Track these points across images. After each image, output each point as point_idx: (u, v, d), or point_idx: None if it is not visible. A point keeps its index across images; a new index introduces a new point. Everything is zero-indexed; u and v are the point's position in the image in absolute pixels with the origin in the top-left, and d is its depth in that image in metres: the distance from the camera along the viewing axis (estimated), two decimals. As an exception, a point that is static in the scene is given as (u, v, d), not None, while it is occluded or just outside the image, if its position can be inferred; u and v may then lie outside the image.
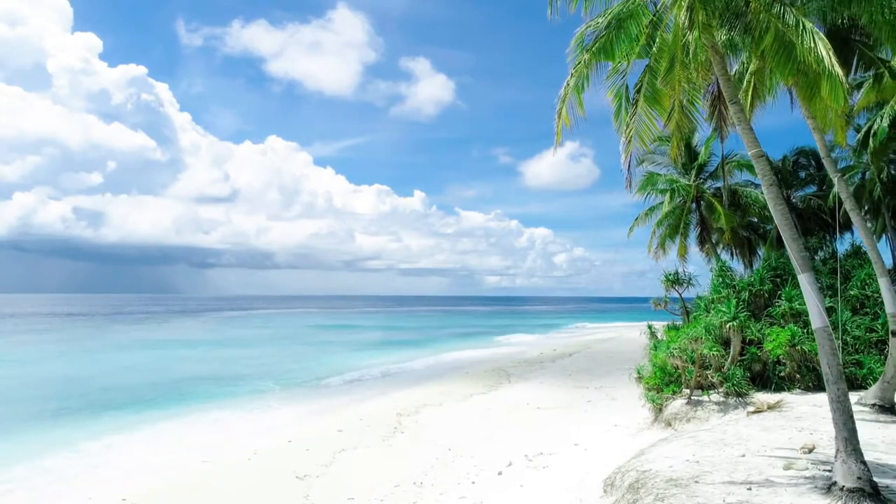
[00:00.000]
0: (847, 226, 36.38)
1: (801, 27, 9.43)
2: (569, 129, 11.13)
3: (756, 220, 40.74)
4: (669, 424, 18.44)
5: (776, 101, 16.23)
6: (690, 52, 10.07)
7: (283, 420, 25.05)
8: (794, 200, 36.71)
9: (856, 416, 15.03)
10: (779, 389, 18.70)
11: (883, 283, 15.26)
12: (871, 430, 13.57)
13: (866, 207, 32.86)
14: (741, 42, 11.15)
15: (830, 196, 33.73)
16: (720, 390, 18.58)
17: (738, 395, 18.24)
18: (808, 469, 10.46)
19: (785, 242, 9.84)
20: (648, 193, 26.14)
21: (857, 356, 19.10)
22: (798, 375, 18.82)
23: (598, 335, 73.60)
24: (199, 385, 34.04)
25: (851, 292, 21.72)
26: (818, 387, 18.50)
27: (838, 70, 9.08)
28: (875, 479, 9.94)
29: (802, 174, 37.33)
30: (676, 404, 18.94)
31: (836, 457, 9.25)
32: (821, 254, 32.88)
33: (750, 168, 25.40)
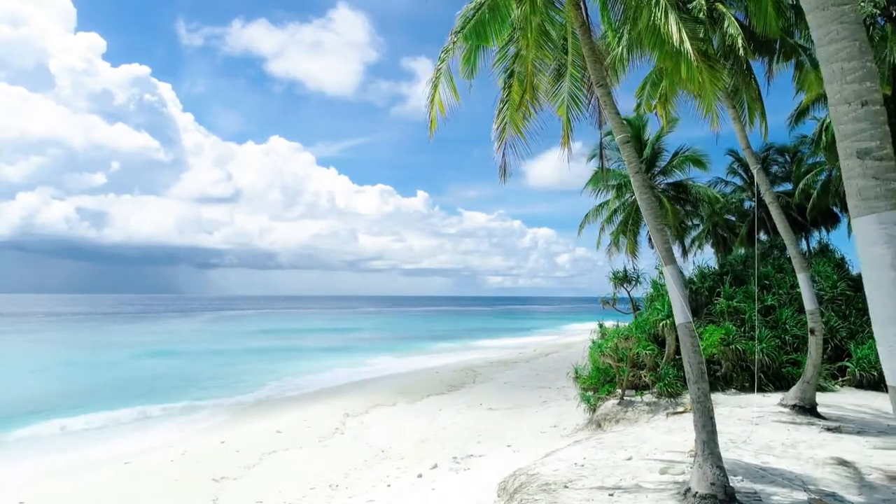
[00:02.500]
0: (816, 223, 35.90)
1: (656, 2, 8.95)
2: (444, 118, 10.69)
3: (734, 218, 40.31)
4: (599, 426, 18.01)
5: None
6: (550, 31, 9.63)
7: (223, 421, 24.72)
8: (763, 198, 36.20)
9: (773, 418, 14.65)
10: (713, 389, 18.19)
11: (802, 280, 14.79)
12: (777, 432, 13.13)
13: (838, 204, 32.34)
14: (619, 25, 10.71)
15: (796, 193, 33.28)
16: (653, 390, 18.16)
17: (671, 395, 17.80)
18: (683, 473, 10.02)
19: (650, 233, 9.39)
20: (600, 189, 25.63)
21: (794, 355, 18.61)
22: (734, 375, 18.34)
23: (586, 336, 72.96)
24: (159, 384, 33.83)
25: (796, 290, 21.24)
26: (752, 387, 18.06)
27: (688, 47, 8.60)
28: (746, 483, 9.55)
29: (776, 169, 36.84)
30: (608, 405, 18.51)
31: (694, 461, 8.82)
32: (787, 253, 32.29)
33: (698, 163, 24.90)
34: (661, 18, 8.74)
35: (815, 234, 39.33)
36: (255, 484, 16.36)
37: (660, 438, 12.86)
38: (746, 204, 37.53)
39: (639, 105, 16.51)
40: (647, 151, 24.76)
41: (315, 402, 28.26)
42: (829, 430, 13.39)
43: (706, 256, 43.04)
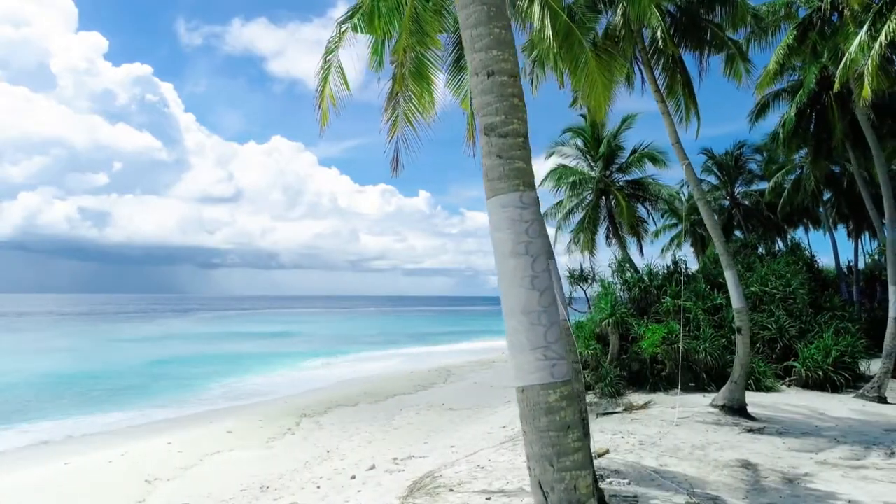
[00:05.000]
0: (792, 221, 35.56)
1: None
2: (336, 110, 10.48)
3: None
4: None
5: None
6: (430, 18, 9.36)
7: (174, 421, 24.52)
8: (737, 196, 35.94)
9: (699, 419, 14.39)
10: (655, 389, 17.96)
11: (729, 277, 14.53)
12: (694, 433, 12.89)
13: (805, 202, 32.02)
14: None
15: (767, 191, 32.95)
16: (595, 390, 17.91)
17: (612, 395, 17.55)
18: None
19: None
20: (558, 187, 25.33)
21: (739, 355, 18.27)
22: (677, 375, 18.04)
23: (574, 334, 72.56)
24: (125, 381, 33.70)
25: (752, 288, 20.96)
26: (697, 387, 17.81)
27: (549, 34, 8.35)
28: (631, 487, 9.35)
29: (753, 167, 36.49)
30: (550, 405, 18.25)
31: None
32: (760, 250, 32.01)
33: (655, 161, 24.57)
34: (524, 3, 8.50)
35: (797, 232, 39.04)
36: (186, 485, 16.13)
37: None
38: (726, 203, 37.30)
39: (575, 99, 16.19)
40: (603, 148, 24.44)
41: (275, 402, 28.07)
42: (750, 431, 13.13)
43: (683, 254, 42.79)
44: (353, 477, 16.37)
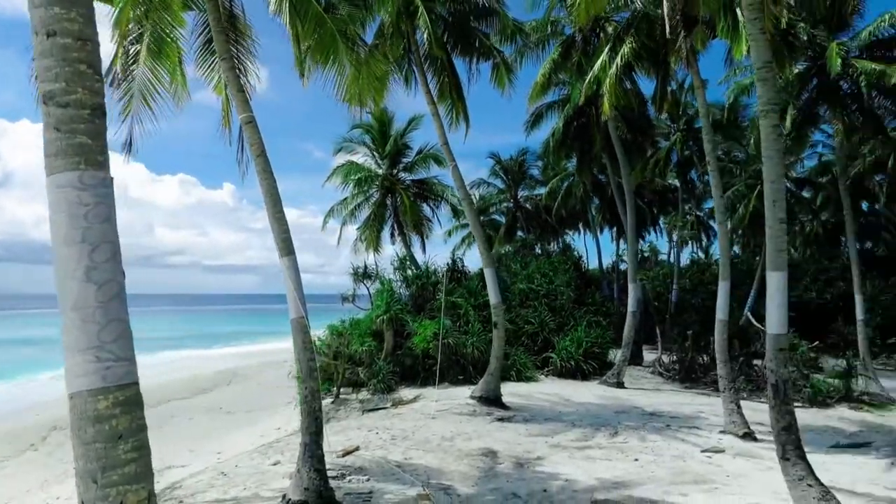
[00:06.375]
0: (567, 224, 38.74)
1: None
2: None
3: (501, 218, 42.17)
4: (323, 426, 17.44)
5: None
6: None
7: None
8: (520, 200, 38.43)
9: (456, 410, 14.96)
10: (426, 384, 18.44)
11: (487, 275, 15.31)
12: (448, 425, 13.37)
13: (577, 207, 34.89)
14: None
15: (544, 195, 35.61)
16: (369, 386, 17.96)
17: (385, 391, 17.70)
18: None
19: (269, 220, 8.77)
20: (346, 183, 25.21)
21: (505, 348, 19.35)
22: (447, 369, 18.68)
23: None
24: None
25: (520, 286, 22.34)
26: (465, 380, 18.52)
27: (287, 18, 8.14)
28: (370, 483, 9.32)
29: (535, 172, 39.10)
30: (323, 403, 17.95)
31: (296, 465, 8.35)
32: (537, 249, 34.37)
33: (440, 162, 25.41)
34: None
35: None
36: None
37: (333, 439, 12.45)
38: (510, 205, 39.69)
39: (350, 97, 16.07)
40: (389, 146, 24.77)
41: (20, 415, 24.76)
42: (501, 419, 13.89)
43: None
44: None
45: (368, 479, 9.47)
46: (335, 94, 9.86)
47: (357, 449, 11.12)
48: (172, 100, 10.34)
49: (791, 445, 8.11)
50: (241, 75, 9.52)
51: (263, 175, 8.76)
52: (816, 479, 7.97)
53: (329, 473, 9.62)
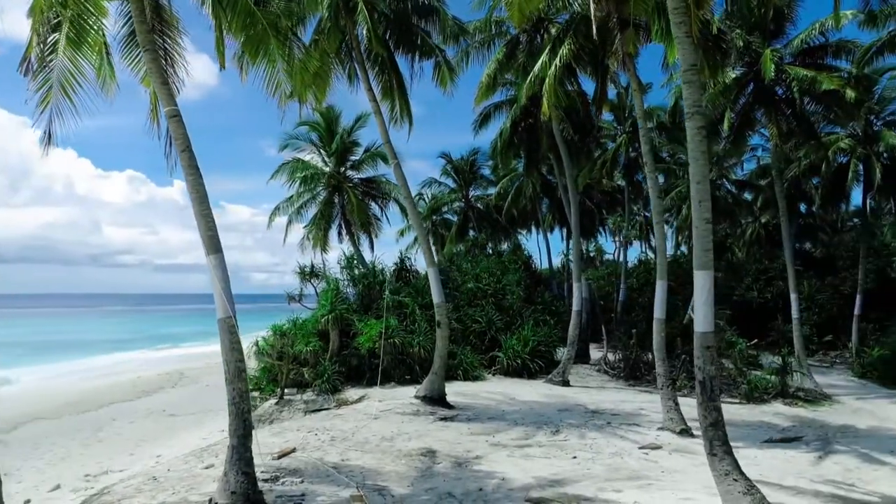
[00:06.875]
0: (517, 224, 39.01)
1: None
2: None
3: (453, 217, 42.21)
4: (253, 427, 17.11)
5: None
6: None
7: None
8: (472, 199, 38.56)
9: (399, 410, 14.88)
10: (372, 384, 18.31)
11: (430, 274, 15.29)
12: (390, 425, 13.30)
13: (528, 207, 35.14)
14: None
15: (494, 195, 35.81)
16: (314, 387, 17.74)
17: (330, 391, 17.51)
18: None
19: (195, 217, 8.55)
20: (292, 181, 24.88)
21: (452, 347, 19.36)
22: (392, 369, 18.57)
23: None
24: None
25: (468, 285, 22.39)
26: (412, 380, 18.45)
27: (223, 20, 7.96)
28: (303, 485, 9.19)
29: (486, 172, 39.25)
30: (267, 405, 17.74)
31: (224, 468, 8.17)
32: (488, 249, 34.53)
33: (386, 160, 25.31)
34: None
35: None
36: None
37: (271, 441, 12.25)
38: (461, 205, 39.82)
39: (291, 93, 15.82)
40: (336, 144, 24.52)
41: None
42: (443, 419, 13.88)
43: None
44: (28, 501, 14.32)
45: (302, 481, 9.34)
46: (267, 89, 9.63)
47: (293, 451, 10.95)
48: (101, 92, 10.02)
49: (718, 441, 8.28)
50: (170, 66, 9.27)
51: (189, 171, 8.55)
52: (742, 473, 8.15)
53: (262, 476, 9.49)
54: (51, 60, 9.02)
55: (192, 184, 8.50)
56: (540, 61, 16.07)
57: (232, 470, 7.90)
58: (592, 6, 12.11)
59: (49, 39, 9.01)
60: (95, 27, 9.22)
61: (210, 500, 7.92)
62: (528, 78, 16.85)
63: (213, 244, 8.47)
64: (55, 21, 8.93)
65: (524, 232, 43.08)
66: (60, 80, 8.99)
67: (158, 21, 9.35)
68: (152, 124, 10.66)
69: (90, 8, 8.90)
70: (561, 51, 15.22)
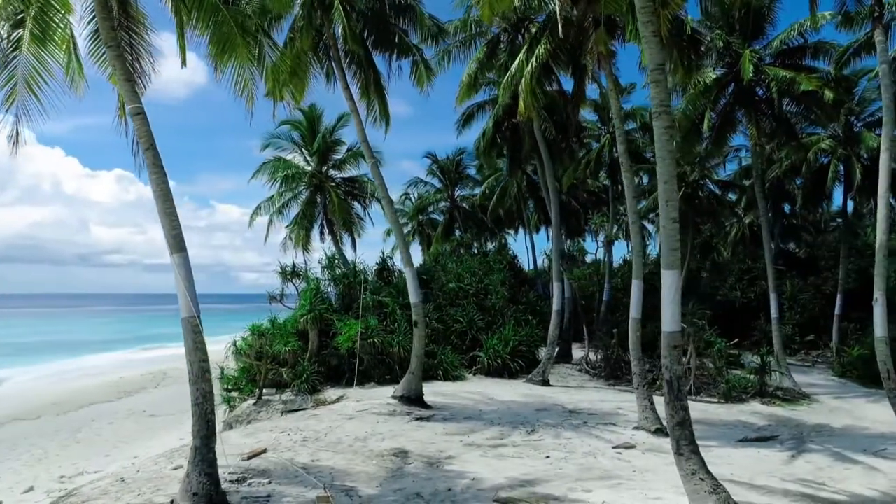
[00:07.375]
0: (503, 224, 39.01)
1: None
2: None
3: (439, 217, 42.12)
4: (230, 427, 17.05)
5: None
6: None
7: None
8: (457, 199, 38.52)
9: (376, 410, 14.81)
10: (352, 384, 18.23)
11: (407, 274, 15.25)
12: (365, 425, 13.23)
13: (513, 207, 35.11)
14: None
15: (479, 195, 35.79)
16: (293, 387, 17.65)
17: (309, 391, 17.44)
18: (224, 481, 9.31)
19: (159, 216, 8.46)
20: (273, 180, 24.76)
21: (432, 347, 19.33)
22: (372, 369, 18.48)
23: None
24: None
25: (451, 285, 22.35)
26: (391, 379, 18.36)
27: (184, 17, 7.89)
28: (271, 486, 9.13)
29: (472, 172, 39.21)
30: (245, 405, 17.66)
31: (186, 469, 8.09)
32: (474, 249, 34.50)
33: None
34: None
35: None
36: None
37: (243, 441, 12.17)
38: (447, 205, 39.78)
39: (267, 92, 15.67)
40: (318, 143, 24.41)
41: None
42: (419, 419, 13.83)
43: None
44: (0, 502, 14.20)
45: (270, 482, 9.26)
46: (235, 89, 9.52)
47: (265, 451, 10.86)
48: (70, 90, 9.91)
49: (685, 441, 8.28)
50: (136, 61, 9.18)
51: (153, 169, 8.45)
52: (709, 472, 8.15)
53: (229, 477, 9.41)
54: (14, 57, 8.90)
55: (156, 182, 8.41)
56: (517, 61, 16.05)
57: (195, 471, 7.82)
58: (558, 5, 12.11)
59: (12, 36, 8.90)
60: (62, 24, 9.09)
61: (171, 502, 7.84)
62: (506, 77, 16.83)
63: (178, 243, 8.39)
64: (18, 17, 8.82)
65: (511, 232, 43.09)
66: (25, 77, 8.87)
67: (125, 17, 9.25)
68: (120, 122, 10.56)
69: (54, 4, 8.77)
70: (538, 50, 15.19)
